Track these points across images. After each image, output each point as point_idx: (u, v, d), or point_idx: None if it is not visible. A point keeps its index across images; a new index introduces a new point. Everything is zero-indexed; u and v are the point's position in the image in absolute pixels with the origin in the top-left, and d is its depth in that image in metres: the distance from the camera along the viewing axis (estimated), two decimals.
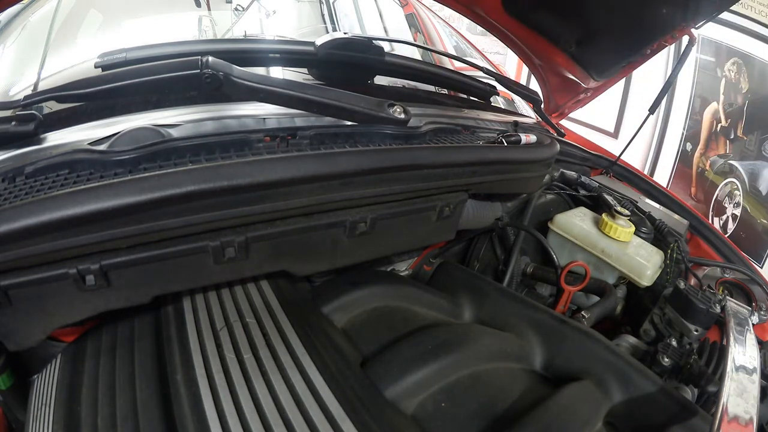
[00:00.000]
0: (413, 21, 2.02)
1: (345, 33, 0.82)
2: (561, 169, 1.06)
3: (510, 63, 3.66)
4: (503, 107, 1.29)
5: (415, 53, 1.62)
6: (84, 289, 0.43)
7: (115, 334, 0.52)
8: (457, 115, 0.88)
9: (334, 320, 0.58)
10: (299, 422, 0.40)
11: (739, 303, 0.60)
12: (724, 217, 2.47)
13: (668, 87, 1.09)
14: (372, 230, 0.57)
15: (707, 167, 3.04)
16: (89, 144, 0.48)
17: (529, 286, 0.89)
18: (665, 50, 1.11)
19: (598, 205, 0.94)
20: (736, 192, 2.47)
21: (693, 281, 0.86)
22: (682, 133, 3.28)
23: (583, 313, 0.67)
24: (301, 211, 0.51)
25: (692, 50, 1.24)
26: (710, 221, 1.13)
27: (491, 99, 1.11)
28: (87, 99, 0.55)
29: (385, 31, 2.03)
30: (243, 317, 0.52)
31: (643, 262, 0.76)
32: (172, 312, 0.53)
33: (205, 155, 0.49)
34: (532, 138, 0.76)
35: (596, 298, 0.79)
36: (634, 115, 3.58)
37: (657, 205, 1.07)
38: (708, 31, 2.60)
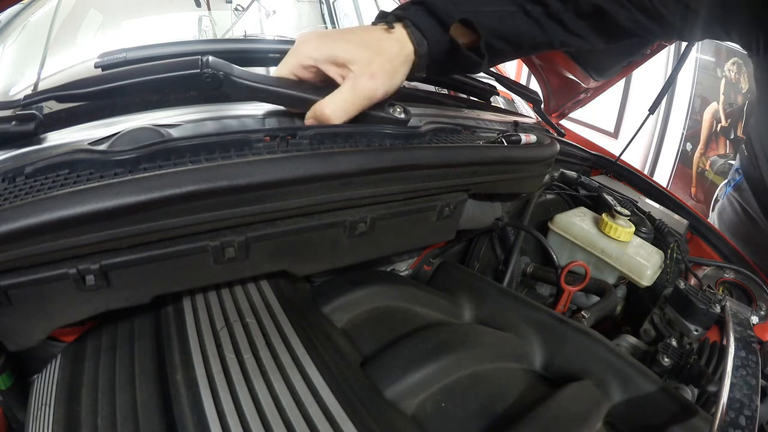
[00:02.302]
0: None
1: None
2: (561, 169, 1.06)
3: (510, 63, 3.67)
4: (503, 107, 1.29)
5: None
6: (84, 289, 0.43)
7: (115, 334, 0.52)
8: (457, 115, 0.88)
9: (334, 320, 0.58)
10: (299, 422, 0.40)
11: (739, 303, 0.60)
12: None
13: (668, 87, 1.09)
14: (372, 230, 0.57)
15: (707, 167, 3.04)
16: (89, 144, 0.48)
17: (529, 286, 0.89)
18: (665, 50, 1.11)
19: (598, 205, 0.94)
20: None
21: (693, 281, 0.86)
22: (682, 133, 3.28)
23: (583, 313, 0.67)
24: (301, 211, 0.51)
25: (692, 50, 1.24)
26: (710, 221, 1.13)
27: (491, 99, 1.11)
28: (87, 99, 0.55)
29: None
30: (243, 317, 0.52)
31: (643, 262, 0.76)
32: (172, 312, 0.53)
33: (205, 155, 0.49)
34: (532, 138, 0.77)
35: (596, 298, 0.79)
36: (634, 115, 3.58)
37: (657, 205, 1.07)
38: None
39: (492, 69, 1.12)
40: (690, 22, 0.66)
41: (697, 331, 0.64)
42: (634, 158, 3.44)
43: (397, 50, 0.55)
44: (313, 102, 0.55)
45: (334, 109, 0.53)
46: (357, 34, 0.55)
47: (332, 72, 0.54)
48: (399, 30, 0.56)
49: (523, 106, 1.45)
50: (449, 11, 0.56)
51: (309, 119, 0.55)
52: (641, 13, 0.63)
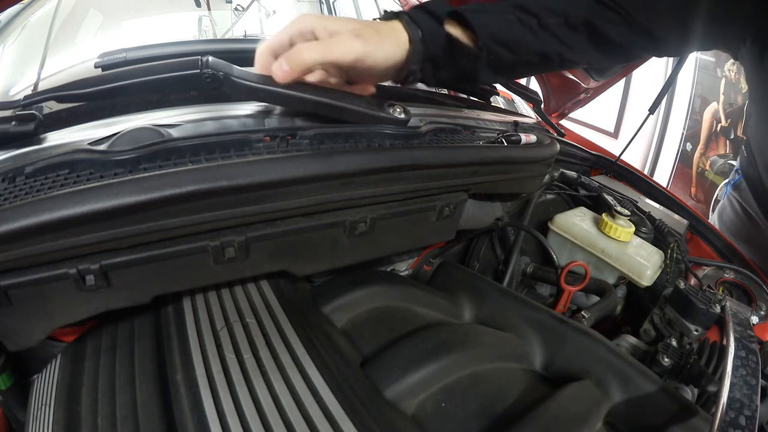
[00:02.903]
0: None
1: None
2: (561, 169, 1.07)
3: None
4: (503, 107, 1.29)
5: None
6: (84, 289, 0.43)
7: (115, 334, 0.52)
8: (457, 115, 0.88)
9: (334, 320, 0.58)
10: (299, 422, 0.40)
11: (739, 303, 0.60)
12: None
13: (668, 87, 1.09)
14: (372, 230, 0.57)
15: (707, 167, 3.04)
16: (89, 144, 0.48)
17: (529, 286, 0.89)
18: None
19: (598, 205, 0.94)
20: None
21: (693, 281, 0.86)
22: (682, 133, 3.28)
23: (583, 313, 0.67)
24: (301, 211, 0.51)
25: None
26: (710, 221, 1.13)
27: (491, 99, 1.11)
28: (87, 99, 0.55)
29: None
30: (243, 317, 0.52)
31: (643, 262, 0.76)
32: (172, 312, 0.53)
33: (205, 155, 0.49)
34: (532, 138, 0.77)
35: (596, 298, 0.79)
36: (634, 115, 3.58)
37: (657, 205, 1.07)
38: None
39: None
40: (683, 38, 0.67)
41: (697, 331, 0.64)
42: (634, 158, 3.44)
43: (389, 31, 0.57)
44: (312, 102, 0.55)
45: (309, 49, 0.52)
46: (355, 19, 0.57)
47: (324, 36, 0.54)
48: (395, 22, 0.58)
49: (523, 106, 1.45)
50: (441, 7, 0.59)
51: (280, 59, 0.52)
52: (632, 31, 0.64)
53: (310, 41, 0.54)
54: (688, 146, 3.17)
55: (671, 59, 2.94)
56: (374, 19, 0.60)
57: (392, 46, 0.57)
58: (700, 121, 3.07)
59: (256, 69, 0.56)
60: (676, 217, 1.04)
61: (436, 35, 0.58)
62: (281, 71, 0.51)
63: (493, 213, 0.83)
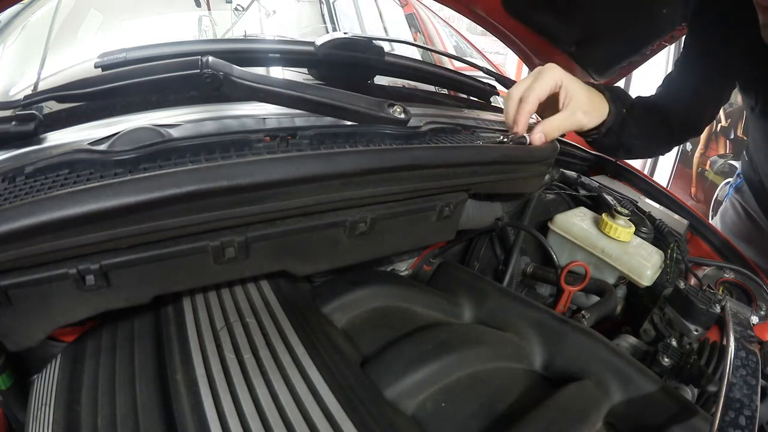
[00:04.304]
0: (413, 21, 2.02)
1: (345, 33, 0.82)
2: (561, 169, 1.06)
3: (510, 63, 3.67)
4: (503, 107, 1.29)
5: (415, 53, 1.62)
6: (84, 289, 0.43)
7: (115, 334, 0.52)
8: (457, 115, 0.88)
9: (334, 320, 0.58)
10: (299, 422, 0.40)
11: (739, 303, 0.60)
12: None
13: None
14: (372, 230, 0.57)
15: (707, 167, 3.03)
16: (89, 144, 0.48)
17: (529, 286, 0.89)
18: (665, 50, 1.11)
19: (598, 205, 0.94)
20: None
21: (693, 281, 0.86)
22: None
23: (583, 313, 0.67)
24: (301, 211, 0.51)
25: None
26: (710, 221, 1.13)
27: (491, 99, 1.11)
28: (87, 99, 0.55)
29: (385, 31, 2.04)
30: (243, 317, 0.52)
31: (643, 262, 0.76)
32: (172, 312, 0.53)
33: (205, 155, 0.49)
34: None
35: (596, 298, 0.78)
36: None
37: (657, 205, 1.07)
38: None
39: (492, 69, 1.12)
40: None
41: (697, 331, 0.64)
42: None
43: (600, 103, 0.77)
44: (312, 102, 0.55)
45: (558, 125, 0.72)
46: (584, 84, 0.75)
47: (564, 101, 0.72)
48: (602, 95, 0.78)
49: None
50: (627, 95, 0.86)
51: (537, 133, 0.70)
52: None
53: (554, 112, 0.72)
54: (688, 146, 3.16)
55: (671, 59, 2.93)
56: (589, 83, 0.76)
57: (599, 118, 0.77)
58: None
59: (510, 111, 0.71)
60: (676, 217, 1.04)
61: (619, 113, 0.79)
62: (539, 141, 0.71)
63: (493, 213, 0.83)
